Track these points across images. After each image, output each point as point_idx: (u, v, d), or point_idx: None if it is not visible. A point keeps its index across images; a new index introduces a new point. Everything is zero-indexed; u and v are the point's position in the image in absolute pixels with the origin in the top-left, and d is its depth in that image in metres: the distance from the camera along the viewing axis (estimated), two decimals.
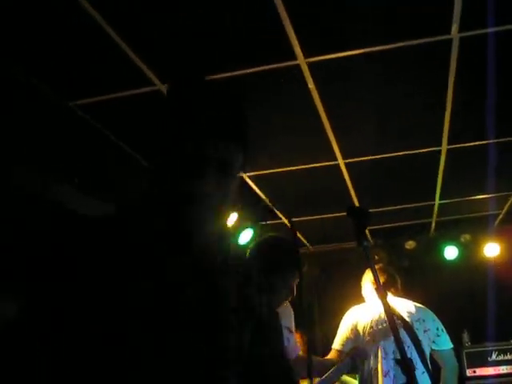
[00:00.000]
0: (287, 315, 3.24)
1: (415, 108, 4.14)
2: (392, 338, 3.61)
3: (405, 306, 3.99)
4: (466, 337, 6.82)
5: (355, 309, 4.14)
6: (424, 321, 3.95)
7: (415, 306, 4.04)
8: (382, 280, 4.10)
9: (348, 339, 3.99)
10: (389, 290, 4.08)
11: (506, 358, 6.46)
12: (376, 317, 3.94)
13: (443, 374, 3.97)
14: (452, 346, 4.04)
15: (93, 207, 4.12)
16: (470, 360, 6.52)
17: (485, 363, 6.48)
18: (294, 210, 6.29)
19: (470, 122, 4.39)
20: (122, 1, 2.91)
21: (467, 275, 7.06)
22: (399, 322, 3.71)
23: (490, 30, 3.22)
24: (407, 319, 3.84)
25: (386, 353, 3.81)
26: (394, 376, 3.72)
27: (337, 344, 4.03)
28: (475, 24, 3.19)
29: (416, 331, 3.78)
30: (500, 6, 3.01)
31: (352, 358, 3.43)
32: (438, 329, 3.97)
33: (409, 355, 3.70)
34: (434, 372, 3.88)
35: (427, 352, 3.86)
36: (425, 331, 3.90)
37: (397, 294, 4.16)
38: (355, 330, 4.00)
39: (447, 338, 4.00)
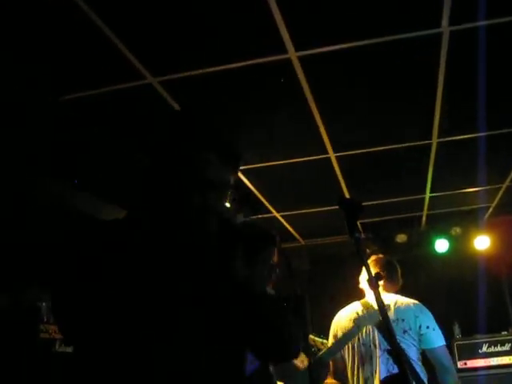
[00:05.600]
0: None
1: (406, 101, 4.15)
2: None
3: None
4: (456, 329, 6.86)
5: (338, 313, 4.08)
6: (403, 320, 3.77)
7: (395, 305, 3.88)
8: (374, 272, 3.91)
9: None
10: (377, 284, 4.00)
11: (496, 349, 6.50)
12: (350, 323, 3.87)
13: (437, 375, 3.80)
14: (442, 343, 3.80)
15: (88, 203, 4.12)
16: (460, 352, 6.57)
17: (475, 355, 6.53)
18: (285, 204, 6.30)
19: (461, 115, 4.40)
20: None
21: (458, 268, 7.11)
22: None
23: (480, 23, 3.22)
24: None
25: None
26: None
27: None
28: (466, 17, 3.19)
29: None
30: None
31: (357, 326, 3.43)
32: (420, 327, 3.75)
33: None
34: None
35: (412, 353, 3.73)
36: (404, 331, 3.73)
37: (386, 288, 4.02)
38: (337, 336, 3.97)
39: (433, 335, 3.77)
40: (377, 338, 3.74)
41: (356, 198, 1.91)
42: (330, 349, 3.56)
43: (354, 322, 3.71)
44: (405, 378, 1.30)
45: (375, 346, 3.74)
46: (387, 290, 4.02)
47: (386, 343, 3.68)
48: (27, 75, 3.47)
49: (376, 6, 3.07)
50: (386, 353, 3.68)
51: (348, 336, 3.52)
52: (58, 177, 4.12)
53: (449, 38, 3.36)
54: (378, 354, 3.72)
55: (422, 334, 3.74)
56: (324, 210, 6.45)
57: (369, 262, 4.08)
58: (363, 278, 4.08)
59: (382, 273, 3.94)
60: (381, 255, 4.31)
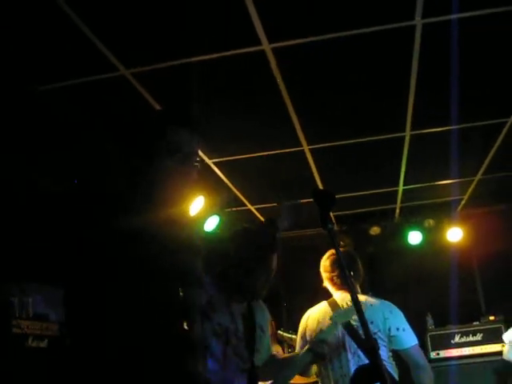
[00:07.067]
0: (259, 313, 3.23)
1: (379, 93, 4.16)
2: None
3: (348, 316, 3.55)
4: (429, 320, 6.92)
5: (306, 314, 3.98)
6: (372, 323, 3.62)
7: (364, 306, 3.52)
8: (338, 271, 3.83)
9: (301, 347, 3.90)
10: (344, 286, 3.81)
11: (468, 339, 6.59)
12: (320, 324, 3.75)
13: (411, 372, 3.71)
14: (414, 343, 3.67)
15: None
16: (433, 342, 6.64)
17: (448, 345, 6.61)
18: (259, 197, 6.30)
19: (434, 107, 4.43)
20: None
21: (431, 260, 7.15)
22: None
23: (453, 16, 3.24)
24: (353, 323, 3.57)
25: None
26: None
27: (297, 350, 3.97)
28: (439, 10, 3.21)
29: (360, 336, 3.56)
30: None
31: (335, 323, 3.39)
32: (390, 329, 3.64)
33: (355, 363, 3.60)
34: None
35: (383, 353, 3.57)
36: (374, 334, 3.58)
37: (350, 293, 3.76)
38: (305, 337, 3.91)
39: (405, 336, 3.65)
40: (346, 340, 3.66)
41: (329, 190, 1.92)
42: (303, 355, 3.46)
43: (330, 319, 3.63)
44: (378, 368, 1.30)
45: (344, 348, 3.65)
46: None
47: (355, 346, 3.64)
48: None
49: None
50: (356, 356, 3.64)
51: (327, 333, 3.48)
52: (32, 166, 4.08)
53: (421, 31, 3.37)
54: (348, 357, 3.63)
55: (392, 336, 3.65)
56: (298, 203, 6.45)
57: (326, 256, 3.99)
58: (327, 277, 3.96)
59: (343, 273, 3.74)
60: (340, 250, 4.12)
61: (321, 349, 3.28)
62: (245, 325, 3.03)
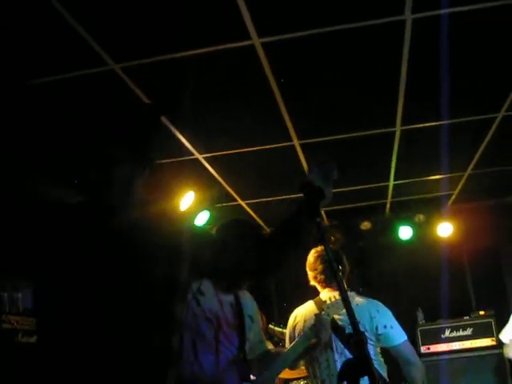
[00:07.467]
0: (247, 303, 3.23)
1: (369, 88, 4.16)
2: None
3: (339, 308, 3.48)
4: (420, 315, 6.95)
5: (293, 314, 3.97)
6: (359, 322, 3.44)
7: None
8: (321, 268, 3.84)
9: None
10: (330, 284, 3.81)
11: (458, 334, 6.62)
12: (307, 323, 3.73)
13: (401, 368, 3.73)
14: (403, 339, 3.68)
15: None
16: (423, 337, 6.68)
17: (438, 340, 6.64)
18: (249, 192, 6.29)
19: (424, 103, 4.43)
20: None
21: (421, 255, 7.17)
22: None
23: (442, 11, 3.24)
24: (339, 322, 3.56)
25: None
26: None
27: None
28: (428, 5, 3.21)
29: (347, 333, 3.48)
30: None
31: (327, 314, 3.37)
32: (377, 328, 3.63)
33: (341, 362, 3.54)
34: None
35: (371, 352, 3.59)
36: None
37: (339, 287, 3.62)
38: (293, 337, 3.87)
39: (392, 333, 3.66)
40: (333, 340, 3.63)
41: (317, 184, 1.93)
42: (302, 337, 3.46)
43: (322, 311, 3.59)
44: (365, 361, 1.30)
45: (331, 348, 3.65)
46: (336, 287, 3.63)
47: (342, 346, 3.61)
48: None
49: None
50: (342, 356, 3.60)
51: (320, 324, 3.46)
52: (20, 161, 4.07)
53: (411, 26, 3.37)
54: (335, 358, 3.63)
55: (380, 334, 3.65)
56: (289, 198, 6.45)
57: (310, 255, 3.94)
58: (312, 275, 3.94)
59: (329, 272, 3.78)
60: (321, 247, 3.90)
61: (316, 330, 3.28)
62: (233, 314, 3.03)
